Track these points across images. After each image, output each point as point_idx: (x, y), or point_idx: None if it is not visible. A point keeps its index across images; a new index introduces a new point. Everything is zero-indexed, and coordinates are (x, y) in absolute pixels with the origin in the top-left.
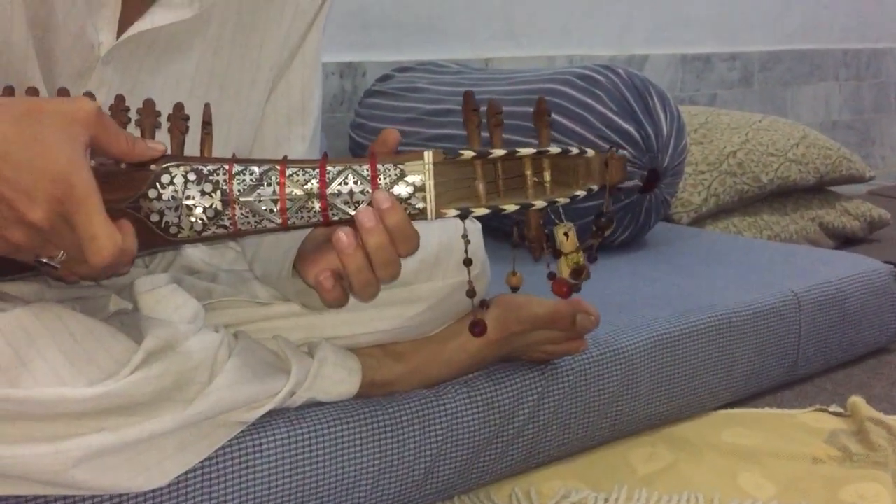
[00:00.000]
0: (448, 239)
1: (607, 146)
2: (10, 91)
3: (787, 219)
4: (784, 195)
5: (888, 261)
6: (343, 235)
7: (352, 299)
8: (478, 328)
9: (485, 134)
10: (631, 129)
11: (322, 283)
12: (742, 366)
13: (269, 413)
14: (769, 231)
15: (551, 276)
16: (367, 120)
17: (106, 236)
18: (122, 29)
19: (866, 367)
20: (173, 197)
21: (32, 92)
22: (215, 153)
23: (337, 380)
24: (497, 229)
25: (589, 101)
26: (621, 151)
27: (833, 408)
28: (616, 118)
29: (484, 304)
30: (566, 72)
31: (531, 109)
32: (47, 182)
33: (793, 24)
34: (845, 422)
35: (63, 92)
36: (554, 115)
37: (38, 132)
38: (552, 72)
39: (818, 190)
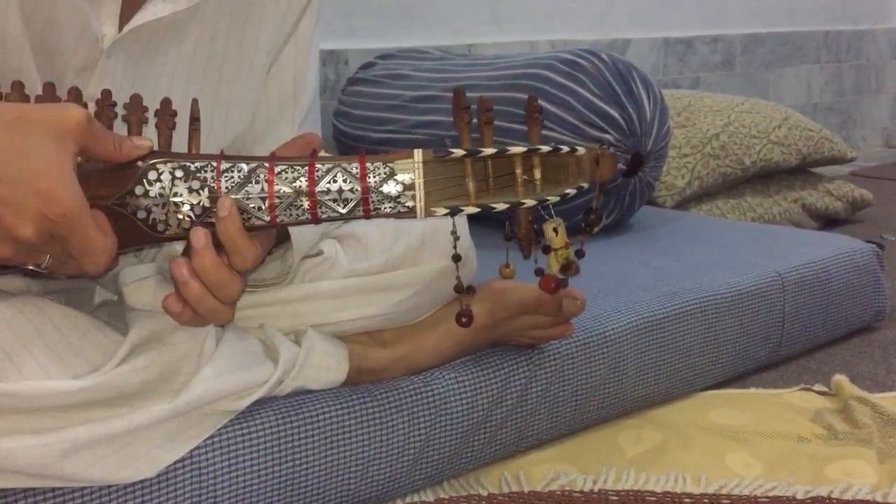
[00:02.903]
0: (433, 224)
1: (592, 132)
2: (18, 86)
3: (770, 200)
4: (767, 177)
5: (871, 240)
6: (178, 264)
7: (340, 289)
8: (465, 318)
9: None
10: (614, 113)
11: (168, 309)
12: (727, 347)
13: (258, 401)
14: (753, 213)
15: (538, 272)
16: (350, 108)
17: (101, 249)
18: (122, 19)
19: (850, 346)
20: (160, 194)
21: (18, 87)
22: (217, 137)
23: (325, 368)
24: (485, 217)
25: (572, 85)
26: (611, 148)
27: (818, 387)
28: (599, 102)
29: (470, 290)
30: (549, 56)
31: (515, 94)
32: (36, 198)
33: (774, 7)
34: (830, 400)
35: (47, 88)
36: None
37: (26, 144)
38: (535, 57)
39: (801, 171)
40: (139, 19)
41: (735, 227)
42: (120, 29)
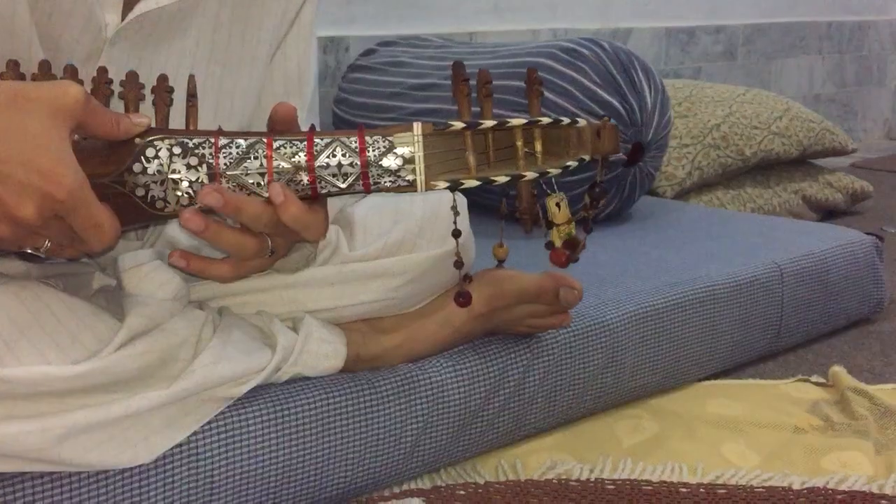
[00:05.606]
0: (432, 209)
1: (595, 118)
2: (14, 65)
3: (770, 192)
4: (767, 168)
5: (870, 232)
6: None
7: (336, 275)
8: (463, 298)
9: (475, 108)
10: (615, 102)
11: (175, 263)
12: (726, 337)
13: (255, 388)
14: (752, 204)
15: (549, 245)
16: (350, 95)
17: (108, 222)
18: (125, 9)
19: (848, 337)
20: (158, 171)
21: (14, 65)
22: (221, 126)
23: (322, 354)
24: (481, 204)
25: (573, 74)
26: (612, 121)
27: (815, 378)
28: (600, 91)
29: (467, 279)
30: (550, 45)
31: (516, 83)
32: (39, 178)
33: None
34: (827, 392)
35: (43, 66)
36: None
37: (24, 122)
38: (536, 45)
39: (801, 163)
40: (142, 7)
41: (734, 217)
42: (123, 18)
